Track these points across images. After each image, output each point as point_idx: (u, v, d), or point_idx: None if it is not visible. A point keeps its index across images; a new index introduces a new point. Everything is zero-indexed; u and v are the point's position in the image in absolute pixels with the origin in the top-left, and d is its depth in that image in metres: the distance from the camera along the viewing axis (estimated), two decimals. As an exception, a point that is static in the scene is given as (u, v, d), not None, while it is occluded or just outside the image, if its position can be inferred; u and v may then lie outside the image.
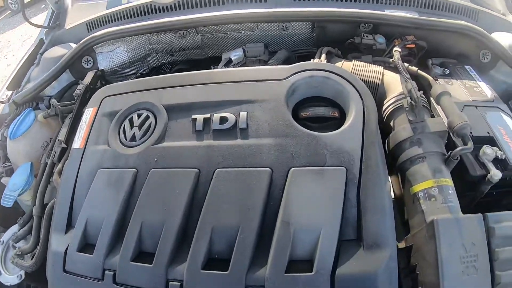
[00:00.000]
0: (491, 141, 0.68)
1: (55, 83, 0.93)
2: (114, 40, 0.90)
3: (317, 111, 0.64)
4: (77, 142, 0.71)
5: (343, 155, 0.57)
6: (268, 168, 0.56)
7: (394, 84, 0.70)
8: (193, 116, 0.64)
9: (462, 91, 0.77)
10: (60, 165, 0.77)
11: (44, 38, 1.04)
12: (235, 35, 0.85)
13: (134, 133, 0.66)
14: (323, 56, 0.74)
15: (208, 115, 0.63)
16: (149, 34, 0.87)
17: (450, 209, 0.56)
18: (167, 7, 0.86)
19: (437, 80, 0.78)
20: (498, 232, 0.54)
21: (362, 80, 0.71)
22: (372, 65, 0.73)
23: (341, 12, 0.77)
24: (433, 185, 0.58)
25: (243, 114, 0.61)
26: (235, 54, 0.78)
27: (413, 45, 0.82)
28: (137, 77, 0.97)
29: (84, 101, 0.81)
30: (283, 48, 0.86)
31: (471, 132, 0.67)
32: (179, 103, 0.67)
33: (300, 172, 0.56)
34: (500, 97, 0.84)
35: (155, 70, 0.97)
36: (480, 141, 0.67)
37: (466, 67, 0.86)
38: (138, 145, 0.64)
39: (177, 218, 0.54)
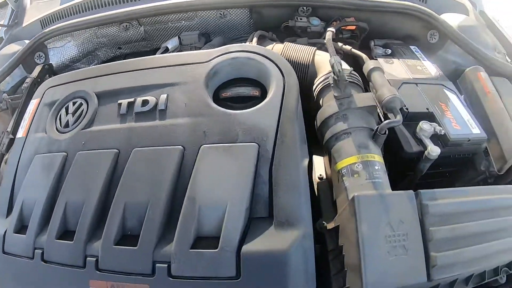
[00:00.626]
0: (431, 117, 0.64)
1: (9, 79, 0.93)
2: (64, 35, 0.90)
3: (237, 91, 0.61)
4: (20, 132, 0.72)
5: (256, 132, 0.54)
6: (180, 146, 0.55)
7: (325, 64, 0.66)
8: (120, 101, 0.63)
9: (403, 69, 0.73)
10: (7, 155, 0.77)
11: (3, 36, 1.06)
12: (176, 25, 0.84)
13: (68, 119, 0.67)
14: (254, 39, 0.72)
15: (132, 99, 0.63)
16: (95, 28, 0.87)
17: (375, 185, 0.51)
18: (113, 0, 0.86)
19: (376, 59, 0.74)
20: (432, 210, 0.49)
21: (293, 62, 0.68)
22: (304, 46, 0.70)
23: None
24: (357, 161, 0.53)
25: (163, 97, 0.61)
26: (171, 43, 0.76)
27: (353, 27, 0.79)
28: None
29: (31, 94, 0.81)
30: (225, 36, 0.83)
31: (407, 108, 0.62)
32: (109, 90, 0.67)
33: (210, 149, 0.54)
34: (448, 77, 0.80)
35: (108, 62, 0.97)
36: (418, 118, 0.63)
37: (412, 47, 0.83)
38: (70, 131, 0.65)
39: (95, 197, 0.55)
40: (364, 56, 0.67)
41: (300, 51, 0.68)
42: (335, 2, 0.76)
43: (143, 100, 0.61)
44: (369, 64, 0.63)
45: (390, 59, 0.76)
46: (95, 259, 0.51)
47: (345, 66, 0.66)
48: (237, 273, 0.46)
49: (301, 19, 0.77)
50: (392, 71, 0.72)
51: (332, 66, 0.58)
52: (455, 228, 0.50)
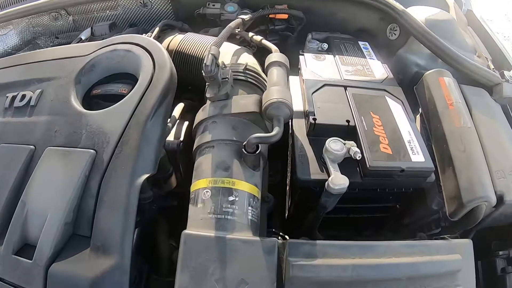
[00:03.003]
0: (352, 133, 0.44)
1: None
2: (5, 23, 0.85)
3: (106, 88, 0.48)
4: None
5: (98, 137, 0.41)
6: (31, 146, 0.45)
7: (224, 58, 0.50)
8: (7, 94, 0.55)
9: (334, 69, 0.54)
10: None
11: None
12: (102, 15, 0.73)
13: None
14: (156, 30, 0.57)
15: (16, 93, 0.54)
16: (30, 18, 0.80)
17: (219, 222, 0.35)
18: None
19: (303, 54, 0.55)
20: (298, 273, 0.33)
21: (189, 55, 0.53)
22: (207, 38, 0.54)
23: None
24: (207, 185, 0.37)
25: (37, 92, 0.51)
26: (84, 34, 0.67)
27: (284, 16, 0.60)
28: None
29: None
30: (153, 25, 0.71)
31: (314, 119, 0.44)
32: (1, 83, 0.58)
33: (51, 152, 0.43)
34: (409, 81, 0.59)
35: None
36: (332, 132, 0.43)
37: (361, 43, 0.62)
38: None
39: None
40: (273, 48, 0.49)
41: (198, 43, 0.53)
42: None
43: (22, 95, 0.52)
44: (270, 57, 0.46)
45: (322, 55, 0.56)
46: None
47: (246, 59, 0.49)
48: None
49: (213, 5, 0.61)
50: (318, 69, 0.53)
51: (203, 60, 0.41)
52: None
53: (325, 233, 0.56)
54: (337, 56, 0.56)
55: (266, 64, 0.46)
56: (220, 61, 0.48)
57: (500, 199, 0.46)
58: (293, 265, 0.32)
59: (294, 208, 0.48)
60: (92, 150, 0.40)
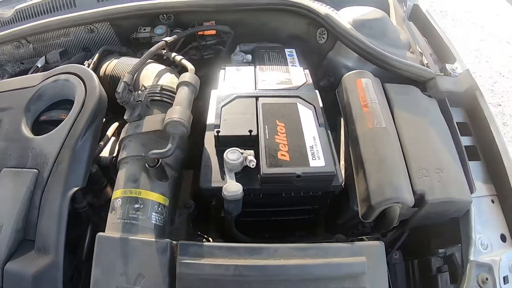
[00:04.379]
0: (255, 141, 0.56)
1: None
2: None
3: (50, 115, 0.64)
4: None
5: (40, 158, 0.57)
6: None
7: (146, 78, 0.64)
8: None
9: (250, 80, 0.66)
10: None
11: None
12: (57, 41, 0.91)
13: None
14: (96, 56, 0.73)
15: None
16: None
17: (125, 226, 0.48)
18: (9, 20, 0.99)
19: (225, 68, 0.68)
20: (184, 270, 0.44)
21: (118, 76, 0.68)
22: (135, 59, 0.69)
23: (128, 7, 0.76)
24: (119, 195, 0.51)
25: None
26: (40, 62, 0.84)
27: (212, 32, 0.74)
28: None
29: None
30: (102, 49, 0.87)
31: (218, 131, 0.56)
32: None
33: (6, 172, 0.59)
34: (339, 83, 0.69)
35: (19, 75, 1.09)
36: (235, 143, 0.56)
37: (288, 50, 0.73)
38: None
39: None
40: (189, 67, 0.62)
41: (128, 67, 0.68)
42: (188, 5, 0.73)
43: None
44: (181, 77, 0.58)
45: (243, 67, 0.69)
46: None
47: (165, 80, 0.63)
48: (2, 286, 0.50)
49: (144, 29, 0.75)
50: (235, 82, 0.65)
51: (116, 89, 0.55)
52: None
53: (258, 234, 0.68)
54: (258, 66, 0.68)
55: (177, 83, 0.59)
56: (142, 83, 0.63)
57: (421, 199, 0.53)
58: (180, 263, 0.43)
59: (214, 212, 0.61)
60: (35, 170, 0.55)
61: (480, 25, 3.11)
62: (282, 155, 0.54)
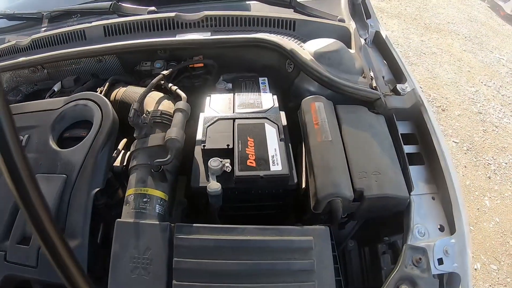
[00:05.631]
0: (231, 153, 0.82)
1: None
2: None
3: (73, 132, 0.89)
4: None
5: (68, 166, 0.81)
6: None
7: (149, 104, 0.90)
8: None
9: (229, 105, 0.92)
10: None
11: None
12: (70, 68, 1.17)
13: None
14: (106, 84, 1.00)
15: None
16: (13, 71, 1.26)
17: (136, 214, 0.73)
18: (26, 47, 1.24)
19: (210, 96, 0.95)
20: (179, 242, 0.69)
21: (127, 103, 0.94)
22: (139, 88, 0.95)
23: (132, 44, 1.02)
24: (132, 193, 0.76)
25: (26, 136, 0.92)
26: (57, 86, 1.09)
27: (200, 64, 1.01)
28: (15, 103, 1.35)
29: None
30: (112, 76, 1.13)
31: (204, 146, 0.82)
32: None
33: (39, 177, 0.82)
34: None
35: (31, 95, 1.34)
36: (216, 154, 0.81)
37: (261, 79, 1.00)
38: None
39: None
40: (182, 96, 0.89)
41: (134, 93, 0.94)
42: (181, 43, 1.00)
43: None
44: (176, 105, 0.85)
45: (224, 95, 0.95)
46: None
47: (164, 106, 0.89)
48: (36, 264, 0.72)
49: (146, 63, 1.02)
50: (218, 107, 0.91)
51: (131, 110, 0.81)
52: (201, 262, 0.68)
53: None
54: (236, 93, 0.95)
55: (174, 109, 0.85)
56: (146, 108, 0.89)
57: (361, 195, 0.79)
58: (176, 237, 0.68)
59: (201, 207, 0.86)
60: (64, 175, 0.79)
61: (463, 36, 3.46)
62: (250, 162, 0.80)
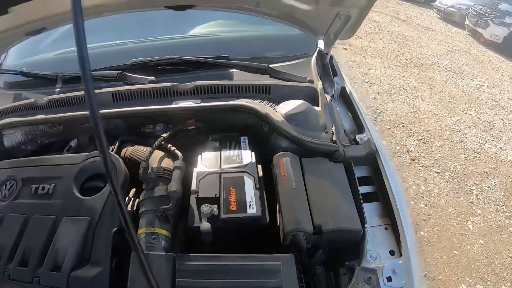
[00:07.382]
0: (217, 200, 1.21)
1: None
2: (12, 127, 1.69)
3: (92, 184, 1.27)
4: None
5: (91, 211, 1.18)
6: (54, 216, 1.20)
7: (153, 162, 1.30)
8: (31, 185, 1.34)
9: (216, 161, 1.33)
10: None
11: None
12: (82, 126, 1.57)
13: (5, 193, 1.38)
14: (117, 143, 1.39)
15: (38, 185, 1.32)
16: (31, 126, 1.64)
17: (147, 248, 1.11)
18: (44, 105, 1.64)
19: (202, 154, 1.35)
20: (181, 268, 1.06)
21: (136, 160, 1.33)
22: (144, 148, 1.35)
23: (134, 110, 1.44)
24: (143, 231, 1.13)
25: (52, 185, 1.29)
26: (74, 143, 1.49)
27: (193, 127, 1.42)
28: (31, 152, 1.73)
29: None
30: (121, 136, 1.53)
31: (197, 195, 1.21)
32: (27, 177, 1.38)
33: (66, 219, 1.19)
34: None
35: (45, 146, 1.72)
36: (205, 201, 1.20)
37: (242, 138, 1.42)
38: (6, 201, 1.35)
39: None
40: (179, 155, 1.29)
41: (141, 151, 1.34)
42: (174, 110, 1.42)
43: (42, 187, 1.31)
44: (175, 163, 1.25)
45: (212, 153, 1.36)
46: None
47: (165, 163, 1.29)
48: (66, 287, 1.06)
49: (149, 126, 1.44)
50: (208, 163, 1.32)
51: (140, 168, 1.20)
52: (198, 282, 1.04)
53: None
54: (222, 151, 1.36)
55: (173, 166, 1.25)
56: (151, 165, 1.29)
57: (319, 229, 1.19)
58: (178, 264, 1.06)
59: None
60: (88, 218, 1.16)
61: (443, 67, 4.04)
62: (232, 207, 1.19)
